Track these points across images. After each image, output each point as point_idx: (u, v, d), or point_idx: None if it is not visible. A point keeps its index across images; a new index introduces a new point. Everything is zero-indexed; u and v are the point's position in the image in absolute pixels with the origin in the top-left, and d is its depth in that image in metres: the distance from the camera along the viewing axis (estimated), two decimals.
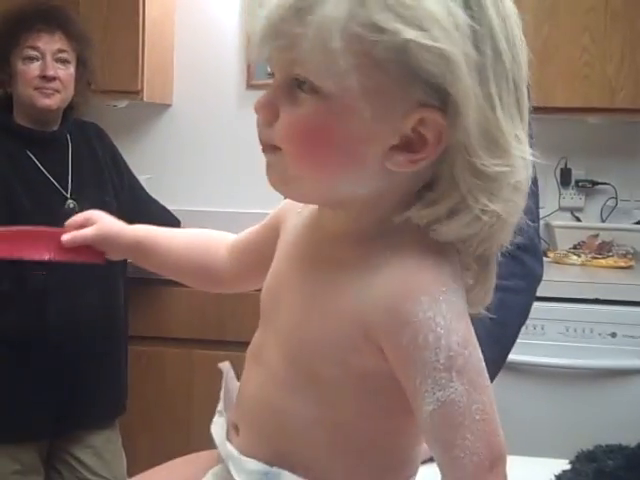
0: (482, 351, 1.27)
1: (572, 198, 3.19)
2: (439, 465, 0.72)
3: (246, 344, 0.87)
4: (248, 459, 0.80)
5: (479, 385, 0.70)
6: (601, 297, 2.48)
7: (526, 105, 0.73)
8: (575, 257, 2.86)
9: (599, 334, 2.46)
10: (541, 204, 1.43)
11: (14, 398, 2.18)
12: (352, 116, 0.67)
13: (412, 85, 0.66)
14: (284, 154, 0.71)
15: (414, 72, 0.65)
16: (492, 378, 1.33)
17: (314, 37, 0.65)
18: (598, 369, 2.45)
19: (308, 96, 0.69)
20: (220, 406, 0.90)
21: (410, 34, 0.64)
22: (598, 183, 3.16)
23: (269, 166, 0.74)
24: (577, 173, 3.17)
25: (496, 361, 1.29)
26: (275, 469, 0.77)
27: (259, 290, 0.87)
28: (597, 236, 2.98)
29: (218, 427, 0.88)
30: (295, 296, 0.79)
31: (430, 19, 0.64)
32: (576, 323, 2.46)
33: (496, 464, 0.70)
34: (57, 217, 2.21)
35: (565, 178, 3.17)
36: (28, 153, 2.25)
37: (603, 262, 2.82)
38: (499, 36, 0.68)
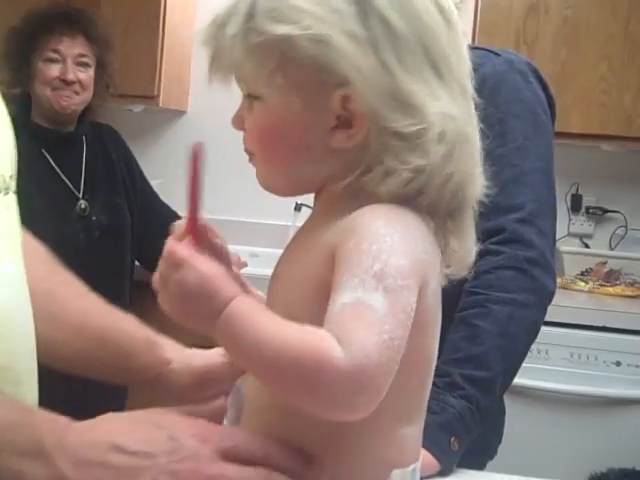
0: (490, 363, 1.29)
1: (582, 224, 3.19)
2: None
3: None
4: None
5: (399, 318, 0.69)
6: (607, 325, 2.47)
7: (449, 59, 0.79)
8: (583, 284, 2.85)
9: (604, 362, 2.45)
10: None
11: None
12: (288, 110, 0.78)
13: (321, 70, 0.76)
14: (255, 156, 0.83)
15: (310, 59, 0.75)
16: (502, 392, 1.34)
17: (230, 54, 0.79)
18: (601, 397, 2.44)
19: (256, 102, 0.80)
20: (228, 416, 0.90)
21: (282, 30, 0.75)
22: (608, 211, 3.16)
23: (256, 170, 0.84)
24: (588, 200, 3.17)
25: (504, 375, 1.28)
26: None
27: None
28: (605, 264, 2.98)
29: None
30: (283, 267, 0.85)
31: (297, 12, 0.75)
32: (581, 350, 2.46)
33: (369, 390, 0.68)
34: (68, 217, 2.25)
35: (576, 204, 3.16)
36: (43, 152, 2.26)
37: (610, 290, 2.81)
38: (387, 12, 0.76)
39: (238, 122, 0.83)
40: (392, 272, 0.70)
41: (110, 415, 0.76)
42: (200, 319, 0.73)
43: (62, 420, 0.73)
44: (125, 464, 0.69)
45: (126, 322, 1.02)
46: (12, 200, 0.80)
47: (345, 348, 0.68)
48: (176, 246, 0.76)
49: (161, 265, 0.76)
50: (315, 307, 0.73)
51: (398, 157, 0.76)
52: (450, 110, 0.77)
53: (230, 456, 0.72)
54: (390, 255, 0.71)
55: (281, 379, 0.70)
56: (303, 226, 0.87)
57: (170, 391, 1.02)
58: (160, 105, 3.02)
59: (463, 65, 0.81)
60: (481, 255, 1.34)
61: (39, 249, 1.06)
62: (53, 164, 2.26)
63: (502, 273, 1.29)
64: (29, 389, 0.82)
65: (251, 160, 0.84)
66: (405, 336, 0.70)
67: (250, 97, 0.81)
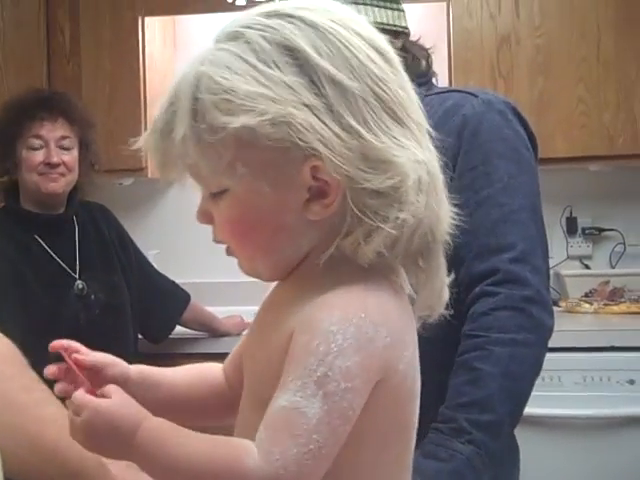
0: (495, 406, 1.29)
1: (580, 246, 3.19)
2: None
3: None
4: None
5: (334, 425, 0.71)
6: (616, 344, 2.45)
7: (404, 103, 0.78)
8: (587, 305, 2.85)
9: (617, 382, 2.43)
10: (549, 254, 1.42)
11: None
12: (257, 196, 0.76)
13: (285, 149, 0.74)
14: (232, 249, 0.81)
15: (273, 142, 0.73)
16: (510, 431, 1.33)
17: (182, 157, 0.77)
18: (617, 417, 2.41)
19: (222, 195, 0.78)
20: None
21: (238, 121, 0.73)
22: (605, 230, 3.16)
23: (238, 261, 0.83)
24: (583, 221, 3.17)
25: (511, 415, 1.28)
26: None
27: None
28: (608, 283, 2.97)
29: None
30: (253, 346, 0.85)
31: (248, 98, 0.73)
32: (593, 372, 2.44)
33: None
34: (67, 299, 2.26)
35: (571, 227, 3.17)
36: (36, 237, 2.28)
37: (616, 309, 2.80)
38: (335, 74, 0.74)
39: (204, 217, 0.81)
40: (336, 376, 0.71)
41: None
42: (116, 452, 0.75)
43: None
44: None
45: None
46: None
47: (262, 457, 0.70)
48: (75, 393, 0.76)
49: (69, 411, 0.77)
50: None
51: (378, 215, 0.75)
52: (419, 155, 0.77)
53: None
54: (337, 356, 0.71)
55: None
56: (276, 291, 0.86)
57: None
58: (149, 176, 3.05)
59: (413, 102, 0.80)
60: (477, 297, 1.35)
61: (9, 347, 1.05)
62: (47, 247, 2.28)
63: (500, 314, 1.29)
64: None
65: (228, 250, 0.82)
66: (339, 441, 0.72)
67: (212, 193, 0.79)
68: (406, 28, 1.48)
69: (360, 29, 0.79)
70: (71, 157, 2.30)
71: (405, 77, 0.81)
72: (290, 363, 0.73)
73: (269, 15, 0.77)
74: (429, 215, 0.78)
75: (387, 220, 0.75)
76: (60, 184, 2.27)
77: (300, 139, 0.73)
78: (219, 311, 2.80)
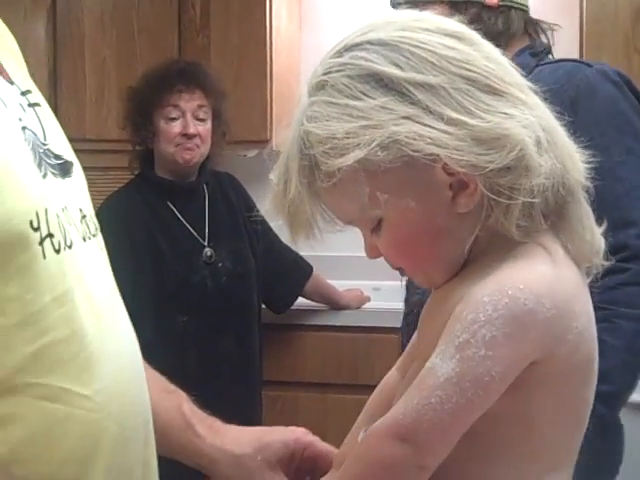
0: (615, 379, 1.28)
1: None
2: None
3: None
4: None
5: (463, 387, 0.73)
6: None
7: (497, 73, 0.79)
8: None
9: None
10: None
11: None
12: (407, 213, 0.79)
13: (408, 163, 0.76)
14: (405, 269, 0.85)
15: (393, 162, 0.76)
16: (623, 405, 1.32)
17: (328, 203, 0.82)
18: None
19: (379, 226, 0.82)
20: None
21: (350, 158, 0.76)
22: None
23: (414, 279, 0.88)
24: None
25: (628, 389, 1.31)
26: None
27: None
28: None
29: None
30: (425, 316, 0.88)
31: (350, 135, 0.76)
32: None
33: (408, 443, 0.74)
34: (196, 266, 2.33)
35: None
36: (168, 204, 2.37)
37: None
38: (417, 77, 0.77)
39: (373, 251, 0.85)
40: (477, 343, 0.73)
41: None
42: None
43: None
44: None
45: (166, 398, 0.99)
46: (102, 240, 0.82)
47: (392, 408, 0.77)
48: None
49: None
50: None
51: (514, 189, 0.77)
52: (529, 117, 0.78)
53: None
54: (483, 326, 0.73)
55: None
56: (435, 293, 0.88)
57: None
58: (274, 148, 3.08)
59: (505, 66, 0.81)
60: (607, 272, 1.34)
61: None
62: (178, 215, 2.36)
63: (629, 289, 1.31)
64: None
65: (403, 273, 0.87)
66: (469, 405, 0.74)
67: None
68: None
69: (425, 24, 0.81)
70: (205, 128, 2.37)
71: (487, 46, 0.82)
72: (445, 330, 0.76)
73: (340, 54, 0.81)
74: (555, 170, 0.78)
75: (522, 191, 0.76)
76: (195, 155, 2.34)
77: (413, 150, 0.75)
78: (339, 284, 2.82)
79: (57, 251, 0.69)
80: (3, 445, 0.65)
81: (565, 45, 3.05)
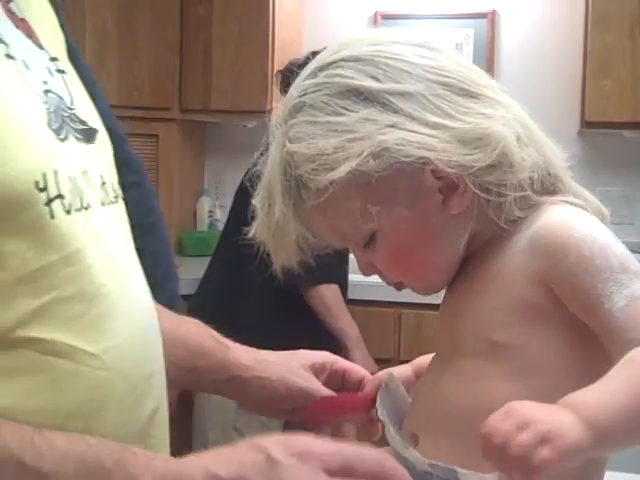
0: None
1: None
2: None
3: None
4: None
5: None
6: None
7: (469, 76, 0.81)
8: None
9: None
10: None
11: None
12: (400, 222, 0.81)
13: (398, 170, 0.77)
14: (403, 280, 0.86)
15: (383, 171, 0.77)
16: None
17: (321, 222, 0.82)
18: None
19: (373, 240, 0.82)
20: (385, 417, 0.89)
21: (339, 172, 0.76)
22: None
23: (413, 290, 0.88)
24: None
25: None
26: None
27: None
28: None
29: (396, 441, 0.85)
30: (461, 301, 0.86)
31: (340, 149, 0.77)
32: None
33: None
34: None
35: None
36: None
37: None
38: (396, 87, 0.78)
39: (369, 268, 0.86)
40: (625, 257, 0.75)
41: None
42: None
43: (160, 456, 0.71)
44: None
45: (193, 325, 1.02)
46: (123, 208, 0.82)
47: None
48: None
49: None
50: (520, 329, 0.79)
51: (501, 186, 0.79)
52: (504, 117, 0.80)
53: (338, 472, 0.69)
54: (611, 246, 0.75)
55: None
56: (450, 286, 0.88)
57: (243, 398, 1.02)
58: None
59: (475, 71, 0.83)
60: None
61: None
62: None
63: None
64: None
65: (401, 286, 0.87)
66: None
67: (366, 243, 0.83)
68: None
69: (394, 37, 0.83)
70: None
71: (454, 53, 0.84)
72: (582, 281, 0.75)
73: (314, 74, 0.82)
74: (538, 162, 0.81)
75: (510, 187, 0.79)
76: None
77: (403, 156, 0.76)
78: None
79: (68, 212, 0.69)
80: (7, 396, 0.66)
81: (571, 25, 3.04)
